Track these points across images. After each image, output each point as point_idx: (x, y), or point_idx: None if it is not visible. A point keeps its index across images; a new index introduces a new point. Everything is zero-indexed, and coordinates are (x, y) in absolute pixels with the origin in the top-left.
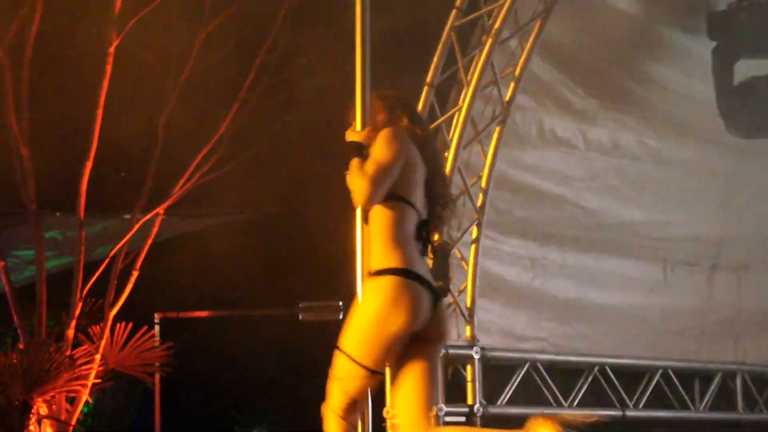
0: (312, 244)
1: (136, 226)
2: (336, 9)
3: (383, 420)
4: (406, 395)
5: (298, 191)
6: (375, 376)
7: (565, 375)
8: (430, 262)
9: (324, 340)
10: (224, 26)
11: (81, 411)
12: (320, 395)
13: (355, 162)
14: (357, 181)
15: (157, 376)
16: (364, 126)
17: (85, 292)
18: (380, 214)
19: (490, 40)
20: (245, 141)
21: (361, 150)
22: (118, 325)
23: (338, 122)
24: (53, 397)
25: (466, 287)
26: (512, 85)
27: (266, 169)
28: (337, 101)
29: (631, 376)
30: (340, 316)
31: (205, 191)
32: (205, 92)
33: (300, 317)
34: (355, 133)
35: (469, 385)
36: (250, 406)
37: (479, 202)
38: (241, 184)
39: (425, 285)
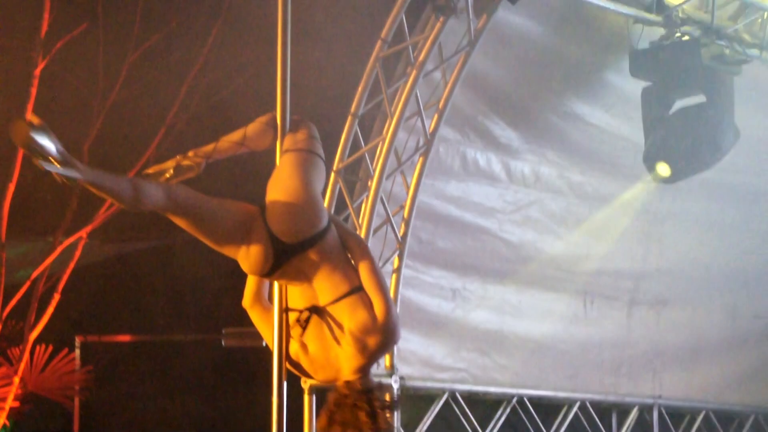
0: (237, 270)
1: (59, 249)
2: (267, 34)
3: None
4: None
5: None
6: None
7: (484, 406)
8: None
9: (247, 367)
10: (152, 51)
11: None
12: (244, 423)
13: None
14: None
15: (77, 400)
16: (282, 152)
17: (5, 314)
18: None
19: (414, 72)
20: None
21: None
22: (38, 347)
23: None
24: None
25: None
26: (436, 116)
27: None
28: None
29: (550, 408)
30: (264, 344)
31: (129, 215)
32: (132, 117)
33: (223, 343)
34: None
35: None
36: None
37: (401, 232)
38: None
39: None
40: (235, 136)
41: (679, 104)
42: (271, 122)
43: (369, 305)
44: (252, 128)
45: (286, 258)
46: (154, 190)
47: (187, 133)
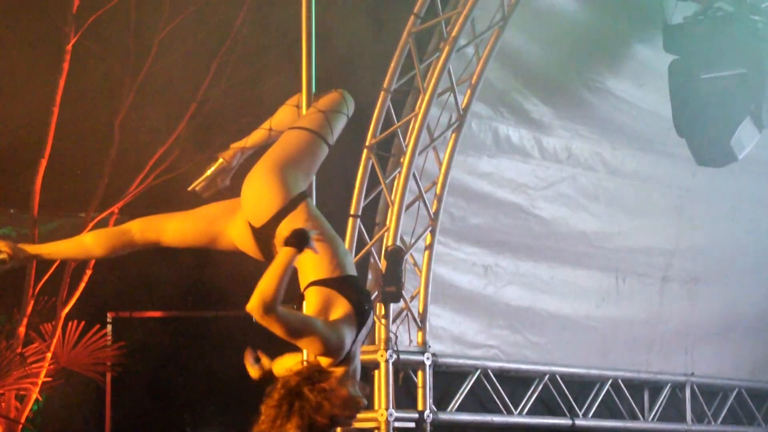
0: None
1: (91, 225)
2: (299, 10)
3: None
4: None
5: None
6: None
7: (516, 383)
8: (382, 267)
9: (276, 343)
10: (183, 26)
11: (31, 409)
12: None
13: None
14: None
15: (109, 376)
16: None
17: (37, 289)
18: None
19: (447, 47)
20: (202, 141)
21: None
22: (70, 323)
23: None
24: (3, 395)
25: (418, 293)
26: (468, 92)
27: None
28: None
29: (581, 385)
30: None
31: (160, 191)
32: (163, 92)
33: (253, 319)
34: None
35: (420, 391)
36: (201, 408)
37: (433, 209)
38: None
39: None
40: (264, 123)
41: (707, 77)
42: (298, 102)
43: (316, 304)
44: (279, 113)
45: (265, 242)
46: (118, 238)
47: (218, 109)
